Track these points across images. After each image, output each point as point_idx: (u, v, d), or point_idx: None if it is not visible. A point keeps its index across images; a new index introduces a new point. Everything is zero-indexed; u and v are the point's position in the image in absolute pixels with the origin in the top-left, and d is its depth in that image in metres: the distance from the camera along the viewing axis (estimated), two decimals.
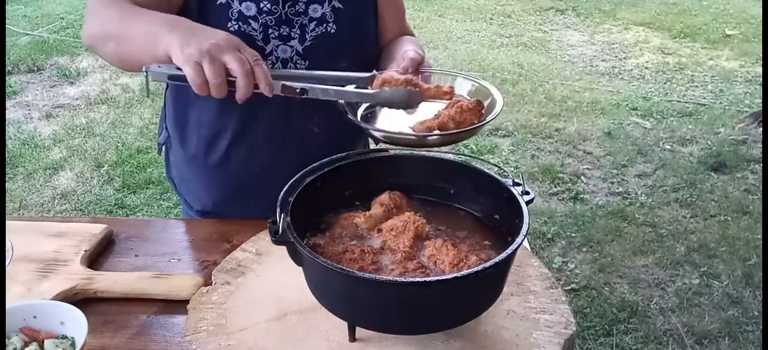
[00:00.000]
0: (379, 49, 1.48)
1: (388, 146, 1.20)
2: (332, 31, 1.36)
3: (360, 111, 1.29)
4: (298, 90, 1.09)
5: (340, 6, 1.36)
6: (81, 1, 7.27)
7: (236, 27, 1.31)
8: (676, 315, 2.87)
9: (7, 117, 4.65)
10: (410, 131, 1.16)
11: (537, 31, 6.64)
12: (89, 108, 4.87)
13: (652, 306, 2.92)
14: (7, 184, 3.82)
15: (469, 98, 1.23)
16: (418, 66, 1.26)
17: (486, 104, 1.22)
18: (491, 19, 7.01)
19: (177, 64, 1.07)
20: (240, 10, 1.30)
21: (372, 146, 1.62)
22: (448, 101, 1.18)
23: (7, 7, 6.86)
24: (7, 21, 6.36)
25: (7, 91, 5.04)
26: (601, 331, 2.78)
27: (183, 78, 1.06)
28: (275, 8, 1.32)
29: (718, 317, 2.84)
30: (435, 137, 1.15)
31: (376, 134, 1.20)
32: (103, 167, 4.06)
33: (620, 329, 2.79)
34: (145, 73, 1.08)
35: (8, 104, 4.88)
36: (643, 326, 2.81)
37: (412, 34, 1.54)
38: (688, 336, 2.75)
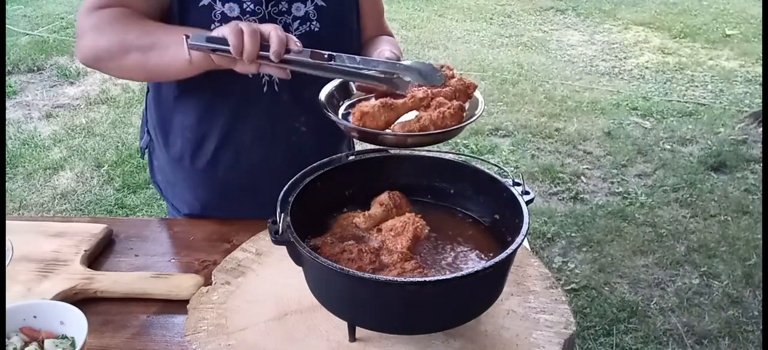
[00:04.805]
0: (359, 47, 1.48)
1: (370, 145, 1.20)
2: (316, 29, 1.35)
3: (341, 110, 1.27)
4: (325, 56, 1.14)
5: (323, 4, 1.35)
6: (81, 1, 7.27)
7: None
8: (676, 315, 2.87)
9: (7, 117, 4.65)
10: (389, 131, 1.15)
11: (537, 31, 6.64)
12: (89, 108, 4.87)
13: (652, 306, 2.92)
14: (7, 184, 3.82)
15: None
16: None
17: (467, 105, 1.20)
18: (491, 19, 7.01)
19: (221, 34, 1.12)
20: (223, 11, 1.28)
21: (358, 146, 1.61)
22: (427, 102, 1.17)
23: (7, 7, 6.86)
24: (7, 21, 6.36)
25: (7, 91, 5.04)
26: (601, 331, 2.77)
27: (221, 42, 1.11)
28: (259, 9, 1.30)
29: (718, 317, 2.84)
30: (415, 137, 1.13)
31: (353, 133, 1.21)
32: (103, 167, 4.06)
33: (620, 329, 2.79)
34: (185, 40, 1.13)
35: (8, 104, 4.88)
36: (643, 326, 2.81)
37: (391, 35, 1.55)
38: (688, 336, 2.75)
